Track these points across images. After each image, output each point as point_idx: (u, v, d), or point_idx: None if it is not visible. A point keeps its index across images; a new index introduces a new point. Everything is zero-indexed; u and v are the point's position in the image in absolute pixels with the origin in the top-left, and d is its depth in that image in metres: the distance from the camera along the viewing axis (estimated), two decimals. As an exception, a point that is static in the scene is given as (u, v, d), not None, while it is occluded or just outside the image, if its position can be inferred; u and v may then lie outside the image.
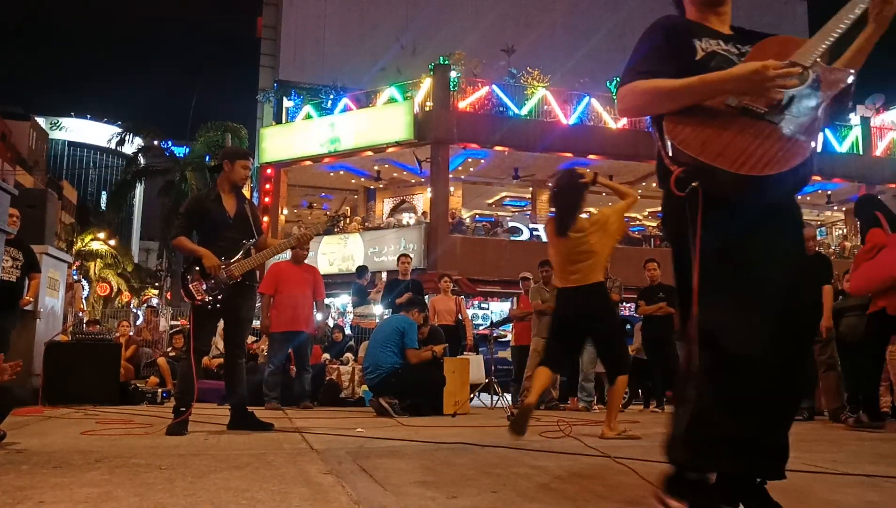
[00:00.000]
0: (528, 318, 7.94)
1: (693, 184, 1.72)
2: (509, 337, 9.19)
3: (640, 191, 15.59)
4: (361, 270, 9.68)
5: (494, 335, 8.31)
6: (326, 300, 10.03)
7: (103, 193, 66.48)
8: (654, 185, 13.16)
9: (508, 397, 7.63)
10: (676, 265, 1.91)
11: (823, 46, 1.82)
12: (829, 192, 20.47)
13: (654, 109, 1.86)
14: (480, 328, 12.53)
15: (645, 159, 16.31)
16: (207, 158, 22.46)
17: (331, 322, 11.58)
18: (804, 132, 1.73)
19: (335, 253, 17.16)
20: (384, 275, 12.66)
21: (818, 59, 1.81)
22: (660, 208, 1.97)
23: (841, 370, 5.84)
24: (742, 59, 1.86)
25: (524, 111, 17.72)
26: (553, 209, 4.46)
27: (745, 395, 1.67)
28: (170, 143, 26.94)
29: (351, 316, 10.92)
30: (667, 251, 2.03)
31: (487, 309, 17.89)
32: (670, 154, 1.78)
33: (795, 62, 1.76)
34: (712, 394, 1.68)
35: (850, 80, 1.82)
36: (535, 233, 17.94)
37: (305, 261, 7.01)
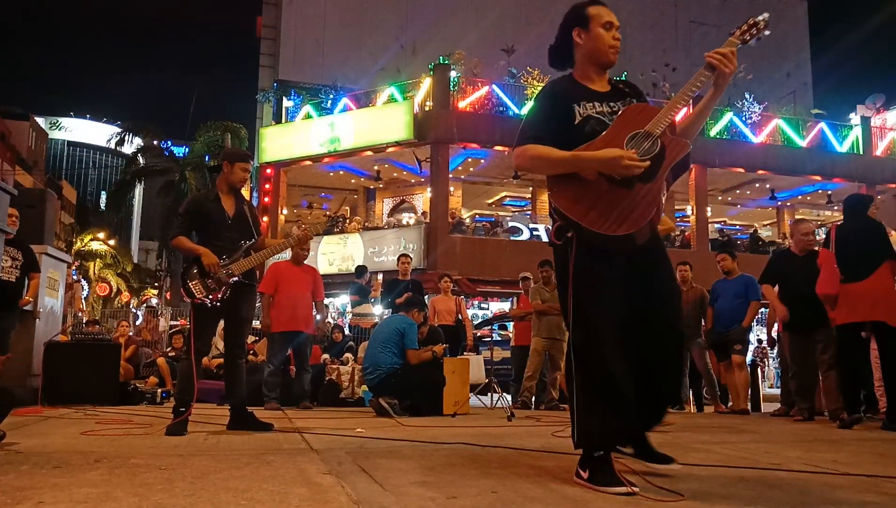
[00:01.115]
0: (527, 318, 7.94)
1: (568, 234, 2.27)
2: (494, 336, 9.17)
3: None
4: (361, 269, 9.68)
5: (478, 334, 8.29)
6: (326, 300, 10.02)
7: (103, 193, 66.40)
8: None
9: (508, 397, 7.63)
10: (560, 292, 2.41)
11: (671, 117, 2.30)
12: (829, 192, 20.49)
13: (541, 172, 2.39)
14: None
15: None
16: (207, 157, 22.47)
17: (331, 322, 11.58)
18: (651, 195, 2.25)
19: (335, 253, 17.16)
20: (380, 276, 12.67)
21: (666, 129, 2.27)
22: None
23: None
24: (612, 119, 2.34)
25: (524, 111, 17.71)
26: None
27: (604, 393, 2.24)
28: (169, 143, 26.97)
29: (350, 316, 10.92)
30: (686, 254, 2.32)
31: (487, 309, 17.88)
32: (554, 209, 2.30)
33: (648, 132, 2.25)
34: (584, 394, 2.26)
35: (688, 151, 2.31)
36: (535, 233, 17.93)
37: (305, 261, 7.01)
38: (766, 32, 2.38)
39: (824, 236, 5.61)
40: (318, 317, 7.21)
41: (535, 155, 2.32)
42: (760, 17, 2.38)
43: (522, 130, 2.39)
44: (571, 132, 2.34)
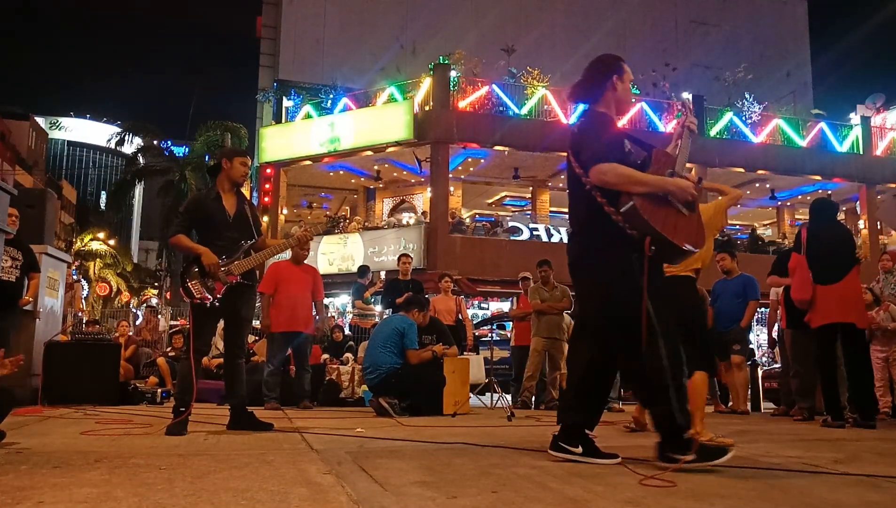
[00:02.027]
0: (527, 318, 7.93)
1: (653, 247, 2.62)
2: (493, 336, 9.15)
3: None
4: (363, 269, 9.67)
5: (476, 334, 8.26)
6: (326, 300, 10.01)
7: (103, 192, 66.33)
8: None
9: (508, 397, 7.62)
10: (616, 298, 2.76)
11: (686, 161, 2.87)
12: (829, 192, 20.47)
13: (623, 189, 2.67)
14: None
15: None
16: (207, 157, 22.45)
17: (334, 317, 11.57)
18: (701, 220, 2.86)
19: (335, 253, 17.16)
20: (383, 274, 12.68)
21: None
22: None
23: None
24: (631, 156, 2.81)
25: (524, 111, 17.71)
26: None
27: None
28: (169, 142, 26.97)
29: (350, 316, 10.92)
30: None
31: (487, 309, 17.88)
32: (629, 221, 2.64)
33: (678, 173, 2.79)
34: (680, 393, 2.73)
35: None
36: (534, 233, 17.94)
37: (305, 261, 7.00)
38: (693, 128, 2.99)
39: (794, 240, 5.60)
40: (318, 317, 7.19)
41: (625, 173, 2.67)
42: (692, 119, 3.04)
43: (603, 148, 2.73)
44: (625, 159, 2.74)
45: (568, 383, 3.15)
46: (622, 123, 15.94)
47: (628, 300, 2.68)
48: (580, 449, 2.80)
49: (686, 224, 2.71)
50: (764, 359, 12.96)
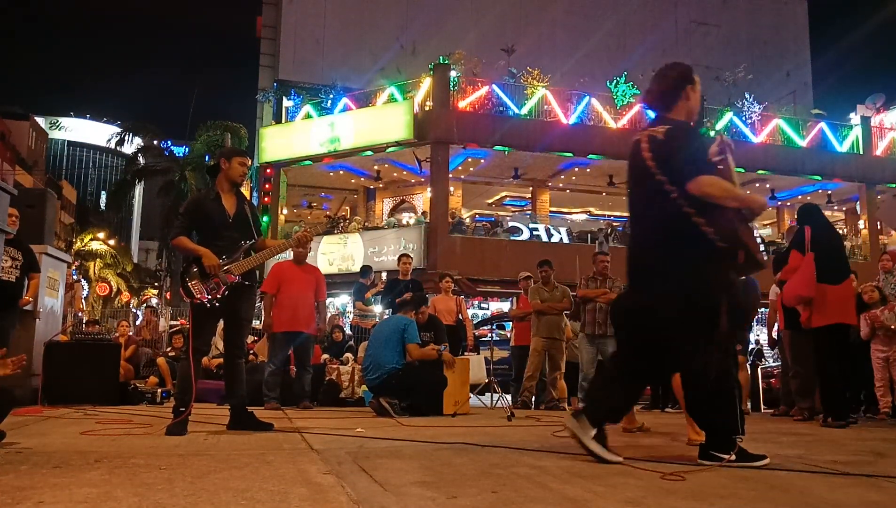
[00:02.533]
0: (527, 318, 7.92)
1: (740, 261, 2.79)
2: (493, 336, 9.14)
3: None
4: (365, 270, 9.67)
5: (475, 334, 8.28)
6: (325, 300, 9.99)
7: (103, 193, 66.36)
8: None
9: (508, 397, 7.62)
10: (702, 302, 2.80)
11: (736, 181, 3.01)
12: (829, 192, 20.47)
13: (721, 202, 2.75)
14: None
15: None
16: (207, 157, 22.45)
17: (339, 316, 11.54)
18: None
19: (335, 253, 17.16)
20: (384, 275, 12.68)
21: None
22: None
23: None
24: None
25: (524, 111, 17.71)
26: None
27: None
28: (169, 142, 26.97)
29: (351, 316, 10.91)
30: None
31: (487, 309, 17.88)
32: (720, 233, 2.71)
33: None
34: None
35: None
36: (534, 233, 17.94)
37: (306, 261, 7.00)
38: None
39: (793, 237, 5.61)
40: (319, 317, 7.18)
41: (727, 187, 2.76)
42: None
43: (703, 162, 2.80)
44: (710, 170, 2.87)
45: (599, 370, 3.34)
46: (622, 122, 15.96)
47: (714, 308, 2.78)
48: (594, 435, 2.88)
49: (755, 241, 2.86)
50: (772, 361, 12.82)
